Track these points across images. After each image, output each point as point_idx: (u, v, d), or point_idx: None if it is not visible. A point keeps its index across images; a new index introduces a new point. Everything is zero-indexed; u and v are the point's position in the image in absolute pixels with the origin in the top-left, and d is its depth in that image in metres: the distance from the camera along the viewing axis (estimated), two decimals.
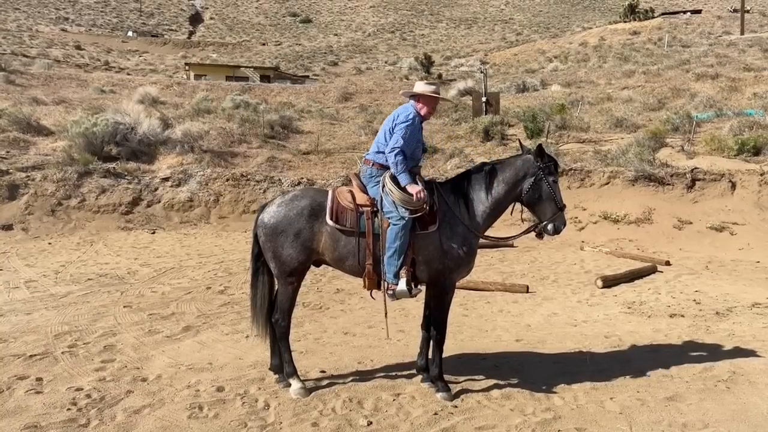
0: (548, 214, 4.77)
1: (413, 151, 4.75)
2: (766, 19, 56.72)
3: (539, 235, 4.89)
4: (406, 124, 4.66)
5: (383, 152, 4.70)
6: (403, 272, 4.54)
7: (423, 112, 4.81)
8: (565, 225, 4.84)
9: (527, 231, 4.99)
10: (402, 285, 4.52)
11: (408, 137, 4.64)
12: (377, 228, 4.59)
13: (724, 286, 8.90)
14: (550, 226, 4.77)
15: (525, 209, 4.98)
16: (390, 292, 4.57)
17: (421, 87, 4.84)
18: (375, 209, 4.63)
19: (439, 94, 4.88)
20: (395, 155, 4.58)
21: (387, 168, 4.70)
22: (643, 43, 43.18)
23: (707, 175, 13.87)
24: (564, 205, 4.82)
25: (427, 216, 4.59)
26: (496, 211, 4.87)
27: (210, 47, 70.27)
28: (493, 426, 4.27)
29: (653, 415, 4.47)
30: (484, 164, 5.02)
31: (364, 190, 4.76)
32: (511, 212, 5.01)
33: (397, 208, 4.51)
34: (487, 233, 4.98)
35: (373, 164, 4.76)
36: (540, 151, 4.81)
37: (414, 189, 4.55)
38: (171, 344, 5.98)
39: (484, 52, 58.78)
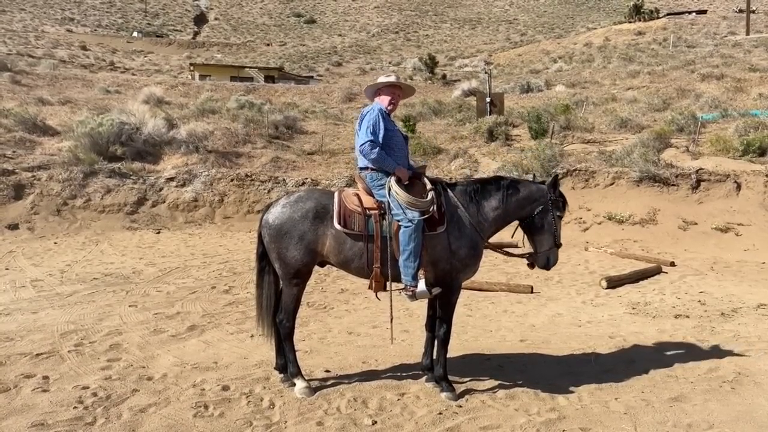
0: (545, 246, 4.87)
1: (391, 141, 4.76)
2: None
3: (531, 265, 5.01)
4: (369, 115, 4.73)
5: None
6: (421, 273, 4.54)
7: (385, 103, 4.87)
8: (556, 262, 4.95)
9: (521, 256, 5.06)
10: (422, 286, 4.52)
11: (375, 126, 4.68)
12: (386, 231, 4.59)
13: (729, 287, 8.88)
14: (542, 258, 4.89)
15: (524, 237, 5.05)
16: (409, 293, 4.56)
17: (380, 79, 4.97)
18: (382, 212, 4.63)
19: (399, 83, 4.96)
20: (370, 147, 4.62)
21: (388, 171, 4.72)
22: (647, 44, 43.10)
23: (712, 175, 13.82)
24: (560, 243, 4.92)
25: (434, 217, 4.59)
26: (502, 222, 4.93)
27: (215, 47, 70.44)
28: (497, 426, 4.28)
29: (658, 415, 4.46)
30: (500, 177, 5.09)
31: (370, 193, 4.75)
32: (512, 235, 5.08)
33: (404, 210, 4.51)
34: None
35: (371, 169, 4.76)
36: (555, 182, 4.93)
37: (402, 173, 4.67)
38: (176, 343, 6.00)
39: (488, 53, 58.75)
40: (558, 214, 4.88)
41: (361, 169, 4.85)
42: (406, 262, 4.52)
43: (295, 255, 4.66)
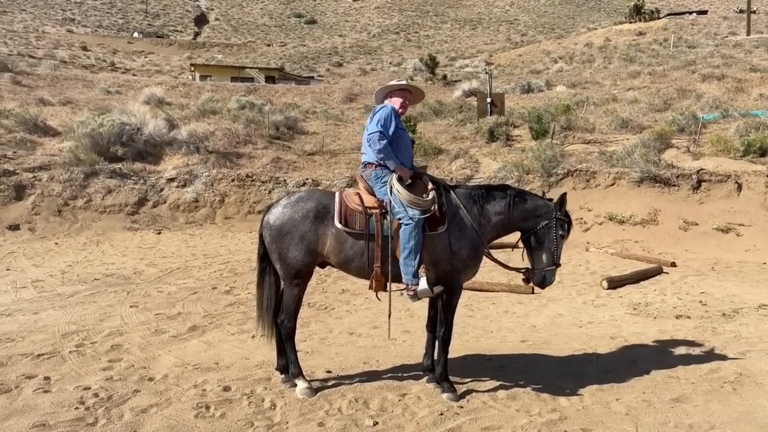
0: (543, 264, 4.82)
1: (399, 141, 4.81)
2: None
3: (526, 280, 4.96)
4: (382, 111, 4.81)
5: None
6: (422, 271, 4.53)
7: (397, 105, 4.95)
8: (552, 281, 4.88)
9: (518, 269, 5.00)
10: (423, 284, 4.50)
11: (386, 120, 4.75)
12: (386, 230, 4.60)
13: (730, 287, 8.88)
14: (538, 276, 4.83)
15: (524, 251, 5.00)
16: (410, 293, 4.54)
17: (392, 83, 5.09)
18: (384, 211, 4.64)
19: (409, 87, 5.06)
20: (378, 138, 4.66)
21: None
22: (648, 44, 43.07)
23: (713, 176, 13.83)
24: (559, 264, 4.86)
25: (435, 215, 4.60)
26: (503, 229, 4.92)
27: (215, 48, 70.48)
28: (498, 426, 4.28)
29: (659, 416, 4.46)
30: (508, 186, 5.07)
31: (372, 192, 4.77)
32: (517, 242, 5.04)
33: (405, 208, 4.52)
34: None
35: (375, 166, 4.78)
36: (562, 201, 4.87)
37: (404, 172, 4.68)
38: (177, 344, 6.00)
39: (488, 53, 58.74)
40: (561, 233, 4.82)
41: (365, 164, 4.86)
42: (406, 260, 4.51)
43: (296, 255, 4.67)
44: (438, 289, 4.62)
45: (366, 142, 4.82)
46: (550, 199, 4.98)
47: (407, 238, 4.48)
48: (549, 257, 4.81)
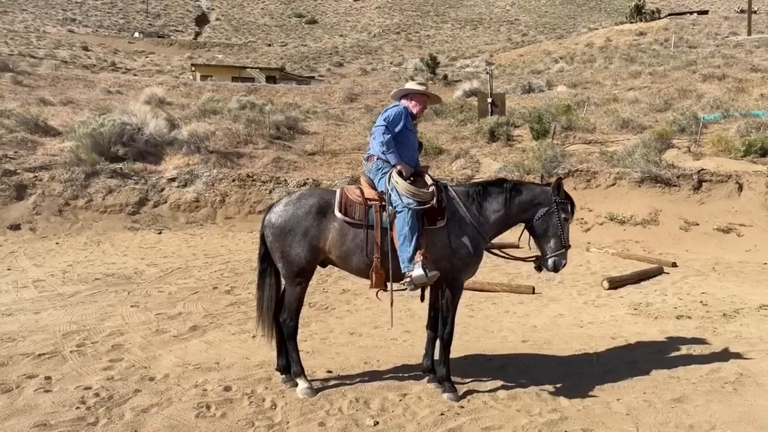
0: (551, 249, 4.82)
1: (406, 140, 4.86)
2: None
3: (538, 268, 4.95)
4: (394, 108, 4.88)
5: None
6: (418, 256, 4.50)
7: (416, 110, 5.00)
8: (564, 264, 4.86)
9: (528, 259, 5.03)
10: (418, 268, 4.46)
11: (395, 118, 4.81)
12: (386, 222, 4.62)
13: (731, 287, 8.87)
14: (550, 261, 4.82)
15: (531, 240, 5.00)
16: (407, 279, 4.52)
17: (412, 85, 5.09)
18: (383, 203, 4.68)
19: (428, 92, 5.09)
20: (382, 131, 4.73)
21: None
22: (649, 44, 42.99)
23: (714, 176, 13.83)
24: (569, 245, 4.84)
25: (434, 208, 4.62)
26: (504, 224, 4.94)
27: (216, 48, 70.45)
28: (499, 426, 4.28)
29: (660, 416, 4.46)
30: (504, 180, 5.08)
31: (373, 186, 4.83)
32: (519, 238, 5.04)
33: (401, 198, 4.56)
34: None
35: (378, 158, 4.83)
36: (558, 185, 4.87)
37: (404, 167, 4.72)
38: (178, 344, 6.01)
39: (489, 53, 58.70)
40: (564, 216, 4.81)
41: (368, 156, 4.91)
42: (402, 246, 4.54)
43: (298, 252, 4.69)
44: (433, 274, 4.55)
45: (371, 134, 4.88)
46: (548, 184, 4.98)
47: (402, 224, 4.52)
48: (557, 241, 4.81)
